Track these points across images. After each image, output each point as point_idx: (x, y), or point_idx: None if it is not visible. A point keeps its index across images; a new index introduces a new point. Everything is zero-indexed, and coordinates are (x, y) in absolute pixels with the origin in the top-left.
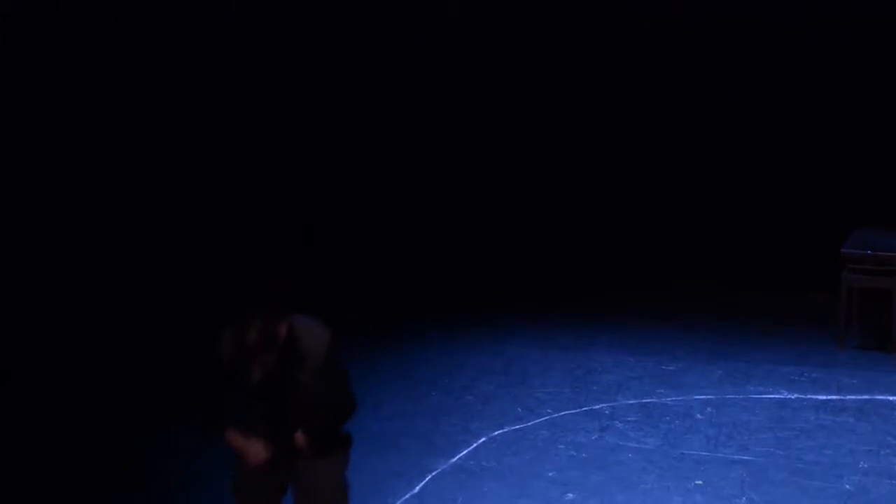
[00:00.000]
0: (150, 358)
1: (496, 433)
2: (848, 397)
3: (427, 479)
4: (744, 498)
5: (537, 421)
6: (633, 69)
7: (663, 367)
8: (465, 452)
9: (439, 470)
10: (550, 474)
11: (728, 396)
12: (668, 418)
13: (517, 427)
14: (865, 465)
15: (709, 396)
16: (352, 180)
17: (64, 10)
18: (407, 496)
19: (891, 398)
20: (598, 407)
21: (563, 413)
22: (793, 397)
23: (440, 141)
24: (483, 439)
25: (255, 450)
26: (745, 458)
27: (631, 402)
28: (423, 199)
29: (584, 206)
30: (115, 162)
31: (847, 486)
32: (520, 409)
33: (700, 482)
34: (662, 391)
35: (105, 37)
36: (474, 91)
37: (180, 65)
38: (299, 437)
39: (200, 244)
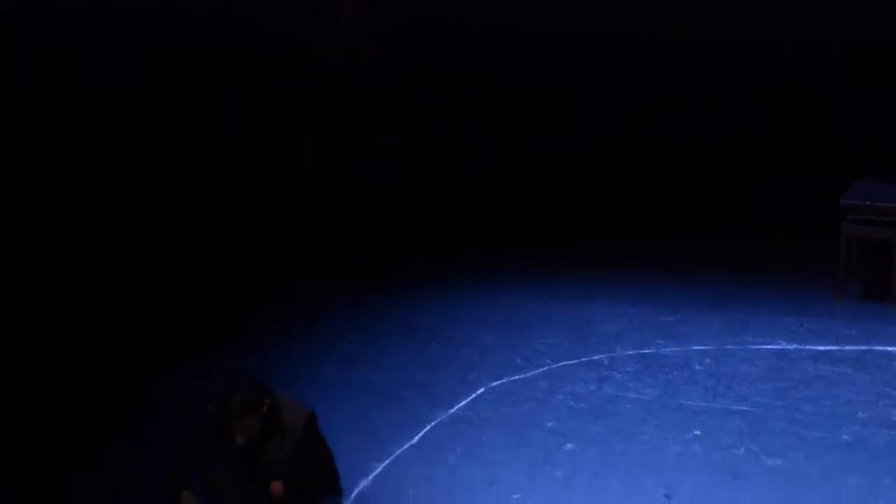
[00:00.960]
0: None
1: (495, 384)
2: (846, 348)
3: (426, 429)
4: (742, 448)
5: (536, 371)
6: (633, 69)
7: (662, 318)
8: (464, 403)
9: (438, 420)
10: (549, 424)
11: (727, 347)
12: (666, 369)
13: (516, 378)
14: (864, 416)
15: (707, 347)
16: (351, 180)
17: (64, 10)
18: (406, 446)
19: (889, 349)
20: (596, 358)
21: (561, 364)
22: (791, 348)
23: (440, 141)
24: (482, 390)
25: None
26: (744, 408)
27: (630, 352)
28: (423, 199)
29: (583, 166)
30: (116, 162)
31: (845, 437)
32: (519, 360)
33: (698, 432)
34: (661, 342)
35: (105, 37)
36: (474, 91)
37: (180, 65)
38: (276, 486)
39: (200, 243)
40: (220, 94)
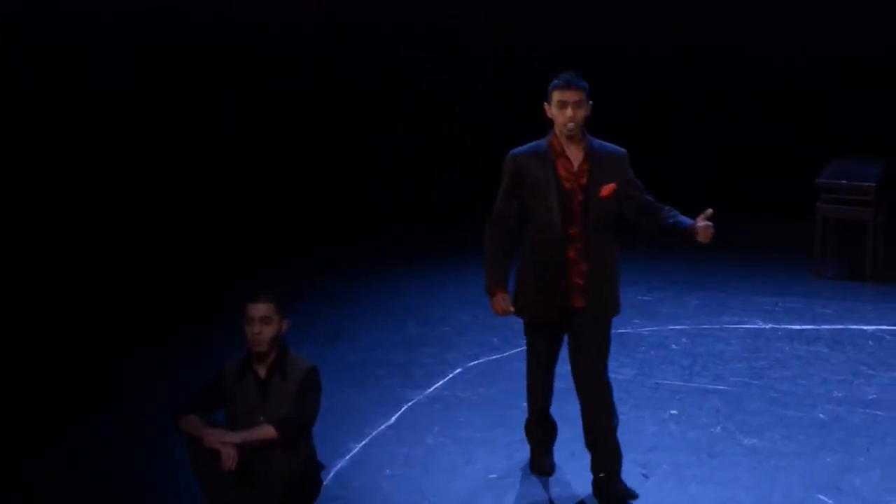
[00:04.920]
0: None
1: (472, 364)
2: (823, 327)
3: (403, 409)
4: (718, 427)
5: (513, 351)
6: (633, 69)
7: (639, 298)
8: (441, 383)
9: (416, 400)
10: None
11: (703, 327)
12: (643, 348)
13: (493, 357)
14: (839, 395)
15: (684, 327)
16: (351, 178)
17: (64, 10)
18: (383, 427)
19: (864, 327)
20: None
21: None
22: (768, 327)
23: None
24: (459, 370)
25: (228, 455)
26: (720, 387)
27: None
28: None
29: None
30: (115, 162)
31: (821, 415)
32: (496, 340)
33: (675, 412)
34: (638, 321)
35: (105, 37)
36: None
37: (180, 65)
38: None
39: (199, 243)
40: (220, 94)
